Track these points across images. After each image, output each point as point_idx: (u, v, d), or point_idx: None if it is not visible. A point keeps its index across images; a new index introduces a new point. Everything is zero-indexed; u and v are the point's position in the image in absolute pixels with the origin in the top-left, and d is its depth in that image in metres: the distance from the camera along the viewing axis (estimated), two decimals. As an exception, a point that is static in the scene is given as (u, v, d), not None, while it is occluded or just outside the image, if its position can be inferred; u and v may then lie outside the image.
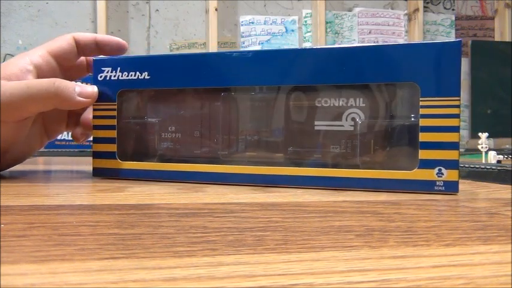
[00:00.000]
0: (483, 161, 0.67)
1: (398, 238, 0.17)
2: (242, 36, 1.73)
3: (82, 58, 0.40)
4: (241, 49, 1.68)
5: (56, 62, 0.37)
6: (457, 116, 0.29)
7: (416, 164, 0.30)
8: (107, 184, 0.33)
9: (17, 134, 0.34)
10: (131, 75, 0.36)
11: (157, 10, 1.67)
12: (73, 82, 0.34)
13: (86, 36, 0.38)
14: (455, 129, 0.29)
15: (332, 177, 0.32)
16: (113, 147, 0.36)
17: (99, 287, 0.11)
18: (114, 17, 1.63)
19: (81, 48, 0.38)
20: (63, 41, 0.37)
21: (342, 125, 0.32)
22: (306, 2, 1.80)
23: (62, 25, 1.58)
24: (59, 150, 0.86)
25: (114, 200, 0.26)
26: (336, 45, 1.30)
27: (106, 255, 0.14)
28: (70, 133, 0.41)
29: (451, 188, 0.29)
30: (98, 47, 0.38)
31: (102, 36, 0.39)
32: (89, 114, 0.37)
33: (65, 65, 0.38)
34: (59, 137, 0.75)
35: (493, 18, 1.96)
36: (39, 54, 0.36)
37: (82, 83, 0.35)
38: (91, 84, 0.36)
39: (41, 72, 0.35)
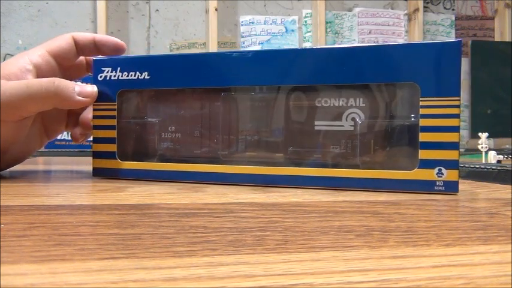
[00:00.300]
0: (483, 161, 0.67)
1: (398, 238, 0.17)
2: (242, 36, 1.73)
3: (81, 58, 0.40)
4: (241, 49, 1.68)
5: (55, 61, 0.37)
6: (457, 116, 0.29)
7: (416, 164, 0.30)
8: (107, 184, 0.33)
9: (16, 134, 0.34)
10: (131, 75, 0.36)
11: (157, 10, 1.67)
12: (72, 82, 0.34)
13: (85, 36, 0.38)
14: (455, 129, 0.29)
15: (332, 177, 0.32)
16: (113, 147, 0.36)
17: (99, 287, 0.11)
18: (114, 17, 1.63)
19: (80, 48, 0.38)
20: (63, 41, 0.37)
21: (342, 125, 0.32)
22: (306, 2, 1.80)
23: (62, 25, 1.58)
24: (59, 150, 0.86)
25: (114, 200, 0.25)
26: (336, 45, 1.30)
27: (106, 255, 0.14)
28: (69, 133, 0.40)
29: (451, 188, 0.29)
30: (96, 46, 0.38)
31: (100, 36, 0.39)
32: (88, 114, 0.37)
33: (64, 65, 0.38)
34: (58, 137, 0.75)
35: (493, 18, 1.96)
36: (38, 54, 0.36)
37: (82, 83, 0.35)
38: (91, 84, 0.36)
39: (40, 72, 0.35)
